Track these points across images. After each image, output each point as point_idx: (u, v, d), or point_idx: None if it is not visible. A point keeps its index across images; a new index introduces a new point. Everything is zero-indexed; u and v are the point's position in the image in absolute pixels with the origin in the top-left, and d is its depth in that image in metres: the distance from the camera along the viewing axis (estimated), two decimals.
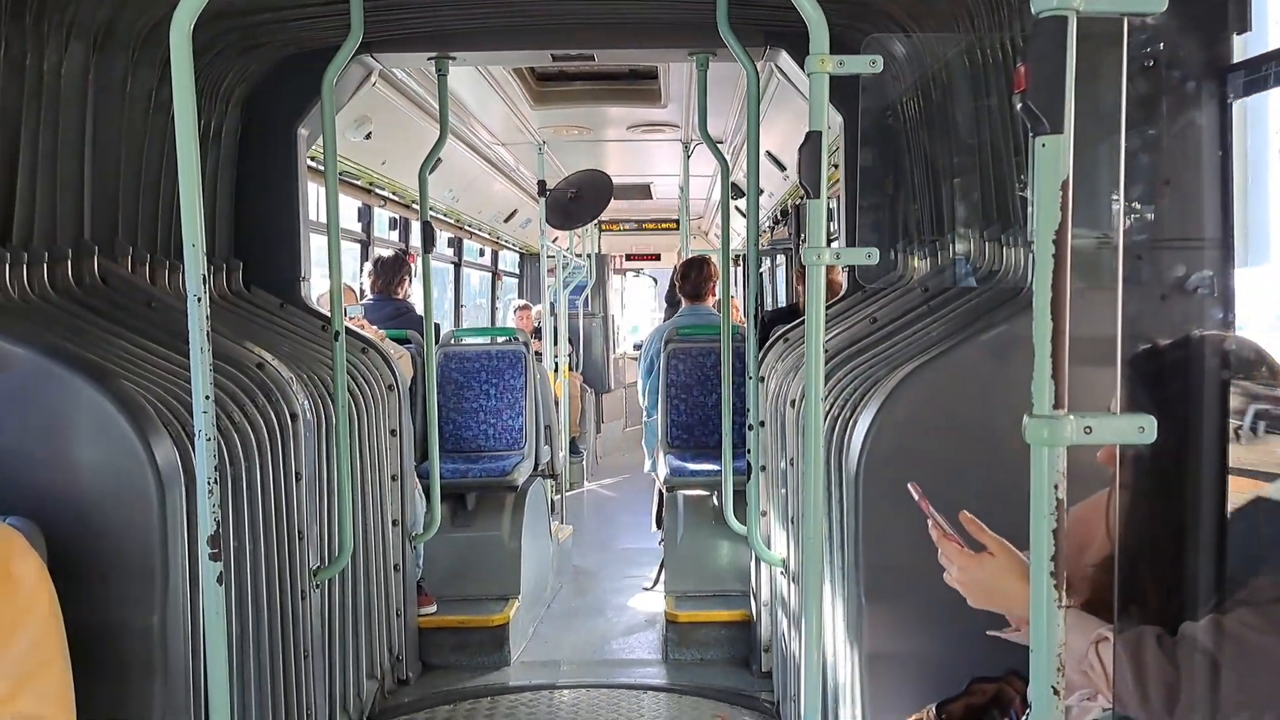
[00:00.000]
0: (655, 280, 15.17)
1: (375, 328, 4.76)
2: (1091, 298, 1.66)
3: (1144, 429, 1.19)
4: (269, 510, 2.89)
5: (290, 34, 3.63)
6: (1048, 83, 1.16)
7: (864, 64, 2.19)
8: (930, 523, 1.98)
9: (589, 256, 10.53)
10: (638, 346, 13.52)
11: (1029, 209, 2.59)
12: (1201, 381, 1.78)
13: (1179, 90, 2.36)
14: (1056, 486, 1.19)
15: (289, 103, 3.87)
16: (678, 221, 9.90)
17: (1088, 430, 1.18)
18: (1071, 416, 1.17)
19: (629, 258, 13.33)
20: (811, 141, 2.17)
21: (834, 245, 3.81)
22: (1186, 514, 1.74)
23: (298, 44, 3.74)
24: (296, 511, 3.06)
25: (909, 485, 1.96)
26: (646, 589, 5.73)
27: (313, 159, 4.38)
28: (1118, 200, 2.33)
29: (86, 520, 2.31)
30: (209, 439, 2.16)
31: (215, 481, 2.17)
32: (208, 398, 2.15)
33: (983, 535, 1.90)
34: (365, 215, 6.57)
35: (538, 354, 6.45)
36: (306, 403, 3.18)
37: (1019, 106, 1.20)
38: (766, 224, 9.02)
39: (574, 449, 9.07)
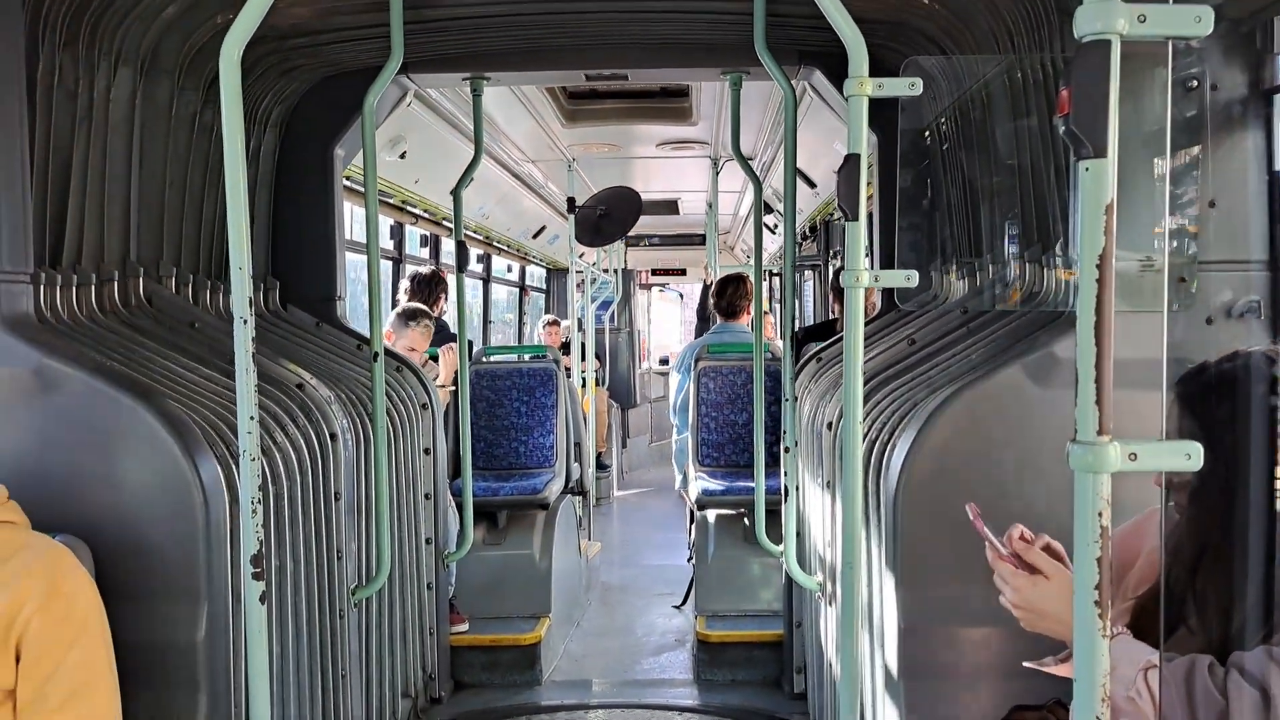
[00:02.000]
0: (681, 295, 15.18)
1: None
2: (1136, 321, 1.65)
3: (1190, 456, 1.18)
4: (309, 529, 2.91)
5: (327, 56, 3.67)
6: (1091, 106, 1.15)
7: (903, 86, 2.19)
8: (986, 545, 1.95)
9: (616, 272, 10.56)
10: (664, 361, 13.56)
11: (1069, 232, 2.58)
12: (1249, 403, 1.75)
13: (1223, 111, 2.34)
14: (1101, 514, 1.18)
15: (325, 123, 3.91)
16: (704, 237, 9.92)
17: (1132, 457, 1.16)
18: (1116, 443, 1.16)
19: (655, 273, 13.35)
20: (850, 164, 2.16)
21: (872, 268, 3.80)
22: (1236, 539, 1.72)
23: (334, 66, 3.78)
24: (336, 531, 3.08)
25: (966, 506, 1.92)
26: (676, 607, 5.72)
27: (346, 178, 4.42)
28: (1162, 223, 2.31)
29: (133, 538, 2.34)
30: (253, 459, 2.18)
31: (259, 501, 2.19)
32: (252, 418, 2.17)
33: (1038, 558, 1.86)
34: (397, 233, 6.62)
35: (566, 369, 6.47)
36: (346, 422, 3.20)
37: (1062, 130, 1.19)
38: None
39: (600, 464, 9.08)
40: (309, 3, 3.15)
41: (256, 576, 2.19)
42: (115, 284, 2.86)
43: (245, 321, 2.16)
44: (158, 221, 3.09)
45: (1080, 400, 1.17)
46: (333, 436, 3.06)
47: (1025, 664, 1.92)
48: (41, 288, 2.56)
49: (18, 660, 1.92)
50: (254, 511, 2.18)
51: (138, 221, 2.96)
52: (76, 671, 1.96)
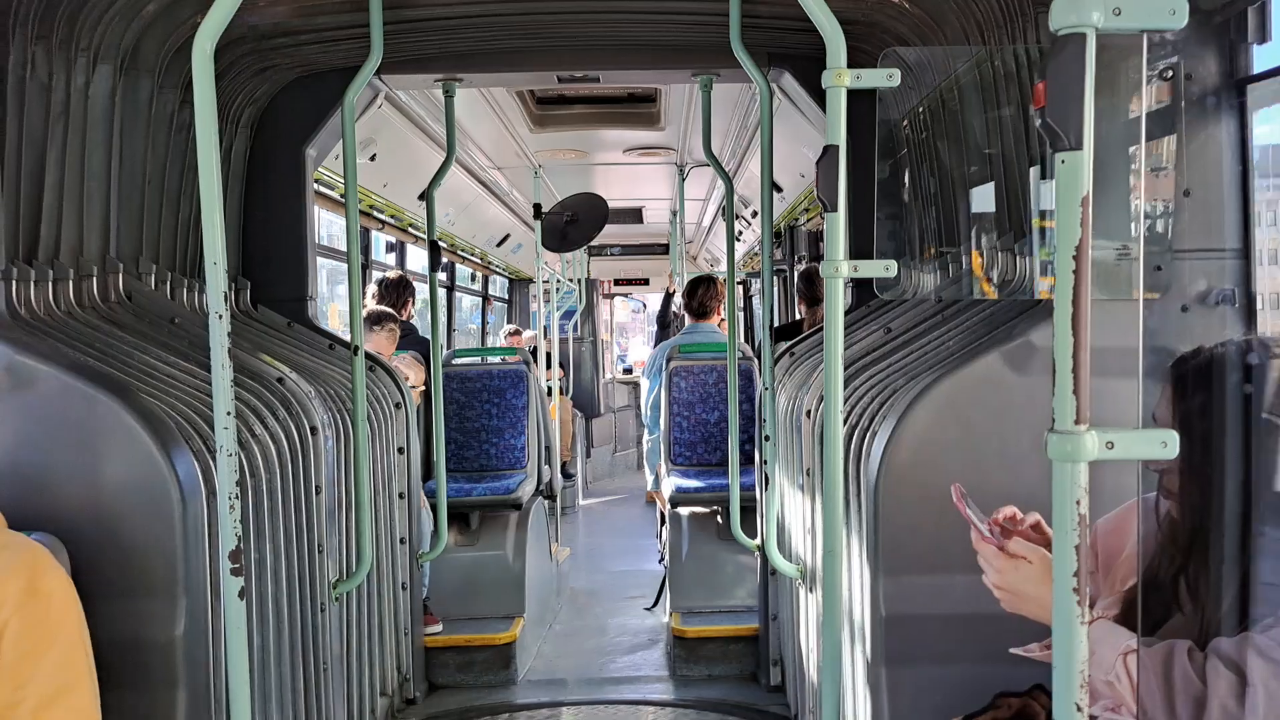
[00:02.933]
0: (644, 305, 15.22)
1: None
2: (1112, 310, 1.69)
3: (1166, 444, 1.19)
4: (289, 523, 2.89)
5: (303, 56, 3.67)
6: (1067, 99, 1.15)
7: (881, 78, 2.23)
8: (971, 527, 1.97)
9: (579, 281, 10.57)
10: (627, 370, 13.57)
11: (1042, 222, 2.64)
12: (1225, 392, 1.78)
13: (1198, 101, 2.40)
14: (1079, 502, 1.18)
15: (298, 123, 3.90)
16: (667, 246, 9.97)
17: (1110, 446, 1.17)
18: (1093, 432, 1.17)
19: (617, 283, 13.38)
20: (829, 155, 2.18)
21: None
22: (1214, 527, 1.74)
23: (308, 66, 3.78)
24: (316, 525, 3.06)
25: (951, 487, 1.93)
26: (648, 609, 5.72)
27: (315, 180, 4.40)
28: (1137, 213, 2.37)
29: (110, 535, 2.31)
30: (230, 454, 2.16)
31: (236, 496, 2.17)
32: (229, 413, 2.16)
33: (1019, 546, 1.86)
34: (364, 237, 6.59)
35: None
36: (326, 416, 3.19)
37: (1039, 123, 1.20)
38: (757, 246, 9.10)
39: (565, 473, 9.06)
40: (289, 1, 3.15)
41: (235, 572, 2.17)
42: (95, 280, 2.83)
43: (220, 316, 2.14)
44: (137, 218, 3.06)
45: (1058, 390, 1.18)
46: (313, 430, 3.05)
47: (1012, 650, 1.94)
48: (14, 284, 2.52)
49: None
50: (232, 507, 2.15)
51: (117, 218, 2.93)
52: (56, 672, 1.93)
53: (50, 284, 2.65)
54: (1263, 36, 2.28)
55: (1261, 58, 2.35)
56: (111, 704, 2.09)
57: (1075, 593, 1.19)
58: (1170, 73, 2.30)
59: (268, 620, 2.76)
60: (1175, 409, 1.77)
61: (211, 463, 2.37)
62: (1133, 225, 2.35)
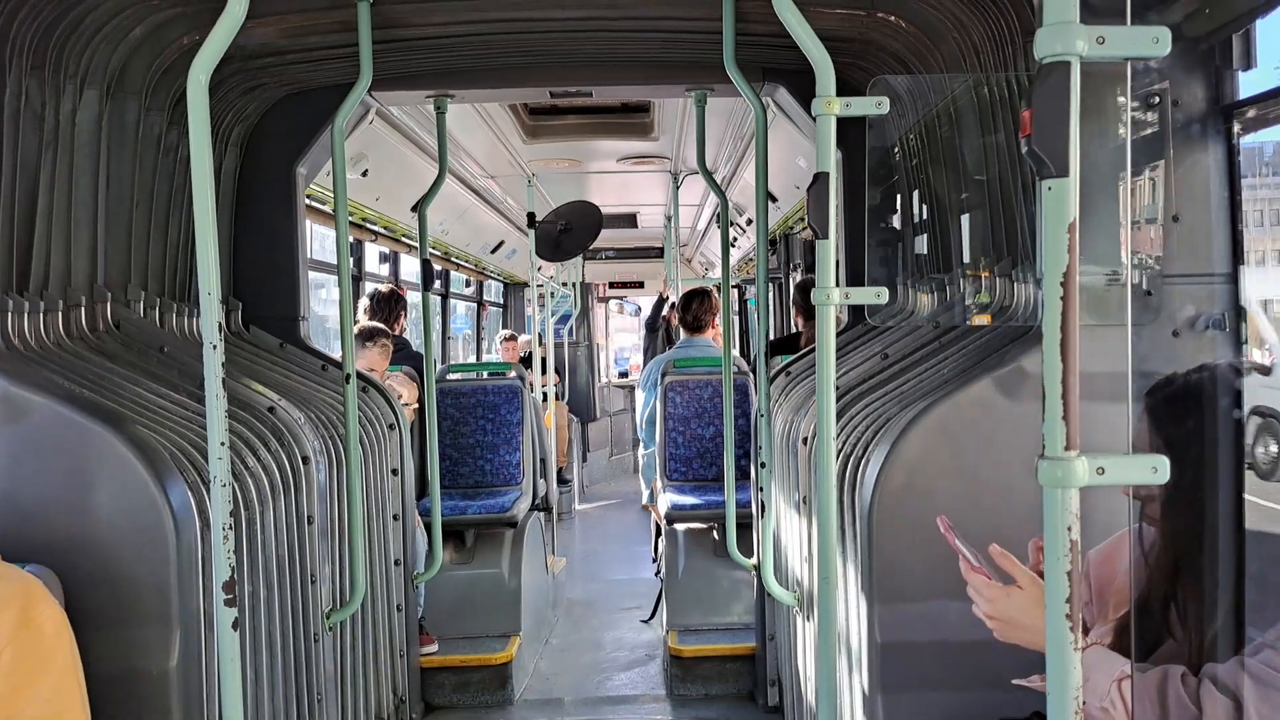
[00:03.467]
0: (639, 308, 15.19)
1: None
2: (1103, 336, 1.68)
3: (1156, 469, 1.19)
4: (282, 554, 2.87)
5: (292, 75, 3.63)
6: (1052, 127, 1.16)
7: (870, 105, 2.23)
8: (960, 557, 1.97)
9: (574, 286, 10.55)
10: (624, 374, 13.55)
11: (1037, 249, 2.63)
12: (1216, 414, 1.79)
13: (1185, 127, 2.40)
14: (1070, 528, 1.18)
15: (288, 142, 3.86)
16: (662, 250, 9.94)
17: (1100, 471, 1.18)
18: (1084, 458, 1.17)
19: (612, 286, 13.35)
20: (820, 183, 2.18)
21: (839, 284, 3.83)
22: (1206, 551, 1.75)
23: (298, 84, 3.75)
24: (309, 555, 3.04)
25: (938, 519, 1.94)
26: (644, 621, 5.71)
27: (307, 197, 4.37)
28: (1125, 239, 2.36)
29: (103, 566, 2.30)
30: (224, 485, 2.16)
31: (230, 527, 2.17)
32: (223, 444, 2.16)
33: (1013, 568, 1.88)
34: (357, 250, 6.56)
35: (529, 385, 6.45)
36: (319, 443, 3.17)
37: (1024, 151, 1.20)
38: (753, 252, 9.08)
39: (561, 479, 9.06)
40: (277, 23, 3.12)
41: (229, 603, 2.17)
42: (83, 309, 2.80)
43: (215, 347, 2.14)
44: (125, 244, 3.03)
45: (1048, 416, 1.18)
46: (305, 460, 3.03)
47: (1015, 682, 1.94)
48: (9, 315, 2.51)
49: None
50: (225, 537, 2.16)
51: (105, 244, 2.91)
52: (49, 704, 1.92)
53: (41, 315, 2.62)
54: (1248, 63, 2.29)
55: (1248, 84, 2.36)
56: None
57: (1068, 619, 1.20)
58: (1158, 99, 2.29)
59: (261, 651, 2.75)
60: (1151, 435, 1.80)
61: (205, 494, 2.36)
62: (1121, 250, 2.35)
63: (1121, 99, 1.88)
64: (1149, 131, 2.40)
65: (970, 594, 1.93)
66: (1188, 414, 1.80)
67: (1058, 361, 1.18)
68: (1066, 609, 1.19)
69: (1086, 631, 1.93)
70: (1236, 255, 2.43)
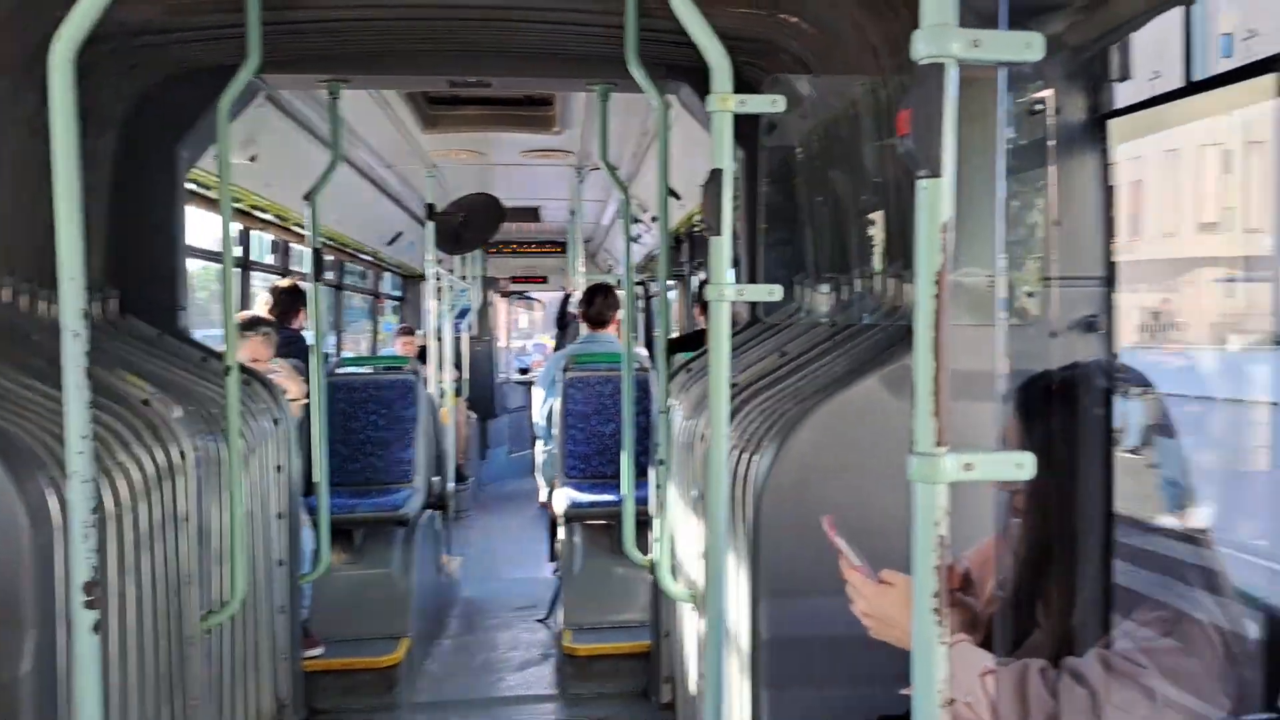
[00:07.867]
0: (543, 303, 15.10)
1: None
2: (981, 335, 1.71)
3: (1021, 465, 1.21)
4: (155, 554, 2.73)
5: (176, 55, 3.47)
6: (927, 127, 1.17)
7: (765, 104, 2.24)
8: (840, 555, 2.00)
9: (474, 279, 10.40)
10: (523, 370, 13.42)
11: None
12: (1066, 414, 1.83)
13: (1066, 134, 2.48)
14: (938, 523, 1.19)
15: (170, 124, 3.69)
16: (565, 245, 9.88)
17: (968, 467, 1.18)
18: (952, 454, 1.18)
19: (515, 280, 13.21)
20: (714, 179, 2.19)
21: (737, 281, 3.85)
22: (1071, 546, 1.80)
23: (182, 64, 3.58)
24: (185, 554, 2.91)
25: (822, 519, 1.96)
26: (540, 620, 5.65)
27: (192, 181, 4.18)
28: (999, 241, 2.42)
29: None
30: (85, 480, 2.03)
31: (92, 525, 2.04)
32: (84, 438, 2.04)
33: (886, 571, 1.92)
34: (244, 239, 6.32)
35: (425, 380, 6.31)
36: (197, 439, 3.02)
37: (900, 151, 1.21)
38: (656, 249, 9.10)
39: (459, 476, 8.91)
40: (159, 0, 2.96)
41: (89, 605, 2.05)
42: None
43: (76, 335, 2.02)
44: None
45: (918, 413, 1.19)
46: (181, 455, 2.89)
47: (902, 693, 1.96)
48: None
49: None
50: (86, 536, 2.03)
51: None
52: None
53: None
54: (1125, 73, 2.39)
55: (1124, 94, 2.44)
56: None
57: (935, 613, 1.20)
58: (1041, 106, 2.36)
59: (129, 656, 2.60)
60: (1020, 430, 1.84)
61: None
62: (998, 252, 2.41)
63: (1007, 104, 1.92)
64: (1034, 138, 2.47)
65: (849, 592, 1.96)
66: (1055, 410, 1.84)
67: (930, 359, 1.18)
68: (934, 603, 1.20)
69: (968, 630, 1.96)
70: (1110, 260, 2.52)
